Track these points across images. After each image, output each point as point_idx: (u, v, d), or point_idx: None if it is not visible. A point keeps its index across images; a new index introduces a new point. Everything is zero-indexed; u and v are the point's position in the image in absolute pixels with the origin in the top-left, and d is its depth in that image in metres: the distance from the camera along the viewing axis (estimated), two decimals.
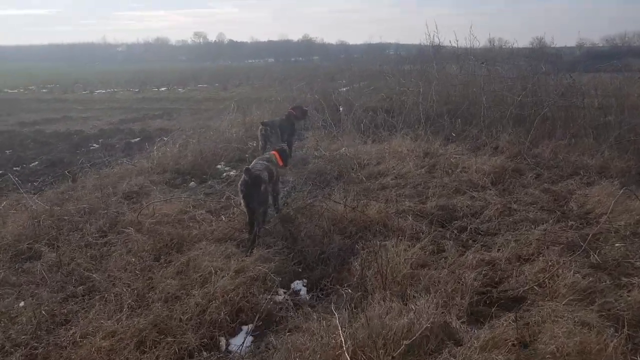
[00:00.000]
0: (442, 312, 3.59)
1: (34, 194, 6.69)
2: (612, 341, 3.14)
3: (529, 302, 3.88)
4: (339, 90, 16.50)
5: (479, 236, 5.41)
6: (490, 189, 6.84)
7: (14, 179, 5.94)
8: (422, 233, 5.26)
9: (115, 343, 3.41)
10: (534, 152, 8.77)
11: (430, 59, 14.45)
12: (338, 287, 4.18)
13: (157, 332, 3.58)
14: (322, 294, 4.31)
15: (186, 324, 3.67)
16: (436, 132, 10.25)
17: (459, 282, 4.05)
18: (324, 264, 4.76)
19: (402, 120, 10.97)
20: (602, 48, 49.12)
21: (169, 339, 3.51)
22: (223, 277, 4.21)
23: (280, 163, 6.12)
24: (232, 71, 39.33)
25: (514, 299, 4.01)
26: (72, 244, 4.98)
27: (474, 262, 4.54)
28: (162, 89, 28.68)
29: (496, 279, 4.34)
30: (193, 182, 7.67)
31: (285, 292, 4.40)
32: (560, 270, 4.21)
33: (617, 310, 3.65)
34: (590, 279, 4.09)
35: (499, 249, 4.90)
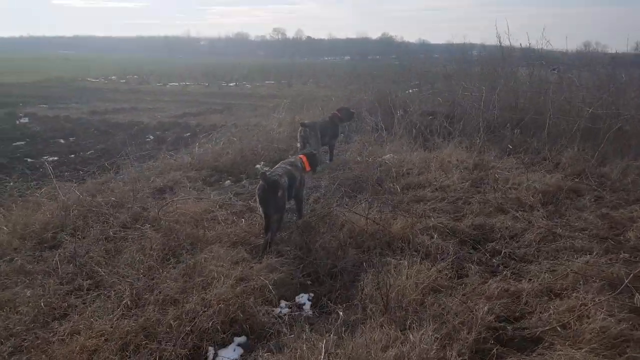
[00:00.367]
0: (441, 347, 3.24)
1: (77, 182, 6.98)
2: None
3: (546, 344, 3.42)
4: (401, 91, 15.96)
5: (513, 262, 4.92)
6: (539, 210, 6.24)
7: (49, 168, 6.18)
8: (448, 254, 4.86)
9: (100, 343, 3.39)
10: (600, 172, 7.94)
11: (498, 62, 13.57)
12: (338, 306, 3.93)
13: (144, 337, 3.52)
14: (324, 311, 4.08)
15: (175, 331, 3.58)
16: (495, 143, 9.63)
17: (470, 314, 3.66)
18: (334, 279, 4.52)
19: (460, 128, 10.40)
20: None
21: (153, 345, 3.43)
22: (223, 284, 4.09)
23: (308, 168, 5.93)
24: (306, 68, 39.48)
25: (530, 339, 3.56)
26: (92, 236, 5.07)
27: (496, 292, 4.10)
28: (231, 84, 29.44)
29: (516, 314, 3.89)
30: (229, 181, 7.67)
31: (287, 305, 4.22)
32: (592, 311, 3.70)
33: None
34: (625, 325, 3.55)
35: (530, 279, 4.42)
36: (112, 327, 3.49)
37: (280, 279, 4.41)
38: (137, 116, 15.61)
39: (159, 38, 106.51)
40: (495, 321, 3.70)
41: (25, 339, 3.49)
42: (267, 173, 5.10)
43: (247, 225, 5.49)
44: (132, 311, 3.81)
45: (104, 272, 4.35)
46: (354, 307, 3.88)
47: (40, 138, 11.78)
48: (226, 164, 8.23)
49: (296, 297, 4.32)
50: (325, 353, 3.08)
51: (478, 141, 9.44)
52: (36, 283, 4.24)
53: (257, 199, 5.11)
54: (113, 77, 33.06)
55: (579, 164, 8.12)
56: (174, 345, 3.42)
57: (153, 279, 4.28)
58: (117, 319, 3.63)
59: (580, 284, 4.25)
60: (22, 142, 11.35)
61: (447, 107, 12.63)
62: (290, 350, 3.33)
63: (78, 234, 5.16)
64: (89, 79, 31.57)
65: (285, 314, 4.02)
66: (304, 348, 3.18)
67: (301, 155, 5.97)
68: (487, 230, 5.64)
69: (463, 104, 11.88)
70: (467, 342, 3.37)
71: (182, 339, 3.53)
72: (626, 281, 4.05)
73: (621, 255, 4.95)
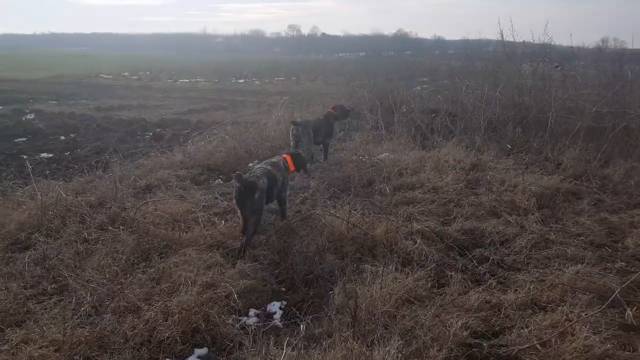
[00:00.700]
0: None
1: (65, 181, 6.88)
2: None
3: None
4: (408, 88, 15.62)
5: (500, 270, 4.68)
6: (534, 214, 5.95)
7: (29, 166, 6.07)
8: (430, 260, 4.63)
9: (49, 354, 3.24)
10: (603, 173, 7.60)
11: (501, 59, 13.15)
12: (306, 317, 3.74)
13: (97, 347, 3.38)
14: (293, 322, 3.88)
15: (129, 341, 3.42)
16: (495, 141, 9.32)
17: (443, 329, 3.44)
18: (309, 286, 4.32)
19: (461, 126, 10.11)
20: None
21: (104, 357, 3.28)
22: (189, 290, 3.92)
23: (292, 168, 5.73)
24: (315, 65, 39.15)
25: (506, 358, 3.32)
26: (65, 238, 4.94)
27: (476, 303, 3.87)
28: (240, 80, 29.33)
29: (496, 328, 3.65)
30: (219, 180, 7.51)
31: (256, 314, 4.04)
32: (577, 327, 3.45)
33: None
34: (611, 344, 3.29)
35: (515, 290, 4.17)
36: (64, 337, 3.34)
37: (251, 285, 4.23)
38: (142, 113, 15.53)
39: (175, 35, 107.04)
40: (470, 337, 3.48)
41: None
42: (245, 174, 4.92)
43: (225, 227, 5.31)
44: (91, 319, 3.66)
45: (68, 276, 4.20)
46: (322, 318, 3.68)
47: (42, 134, 11.76)
48: (218, 162, 8.07)
49: (267, 305, 4.13)
50: None
51: (478, 140, 9.16)
52: (1, 286, 4.12)
53: (234, 201, 4.93)
54: (125, 74, 33.20)
55: (580, 164, 7.79)
56: (125, 358, 3.26)
57: (120, 285, 4.12)
58: (72, 327, 3.48)
59: (568, 296, 4.00)
60: (24, 139, 11.34)
61: (450, 104, 12.32)
62: None
63: (53, 235, 5.04)
64: (102, 75, 31.74)
65: (252, 324, 3.83)
66: None
67: (285, 155, 5.78)
68: (477, 235, 5.39)
69: (465, 101, 11.55)
70: None
71: (137, 350, 3.37)
72: (615, 293, 3.75)
73: (617, 265, 4.68)
